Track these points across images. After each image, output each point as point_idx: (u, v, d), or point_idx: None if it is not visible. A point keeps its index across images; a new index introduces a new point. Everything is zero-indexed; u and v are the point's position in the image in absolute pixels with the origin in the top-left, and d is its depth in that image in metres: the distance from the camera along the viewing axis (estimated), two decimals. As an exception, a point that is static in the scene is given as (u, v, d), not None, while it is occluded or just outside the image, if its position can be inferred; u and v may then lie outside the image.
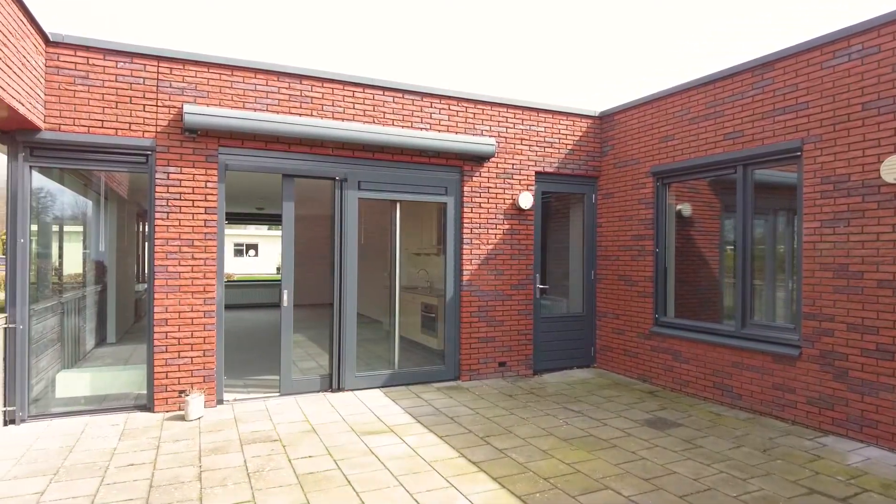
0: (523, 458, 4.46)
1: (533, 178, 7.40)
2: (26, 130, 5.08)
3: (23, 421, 5.17)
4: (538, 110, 7.45)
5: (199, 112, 5.49)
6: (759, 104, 5.75)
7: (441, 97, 6.83)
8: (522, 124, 7.33)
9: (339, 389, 6.39)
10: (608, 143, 7.79)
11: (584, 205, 7.97)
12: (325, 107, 6.21)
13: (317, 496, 3.73)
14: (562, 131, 7.61)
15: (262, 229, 36.65)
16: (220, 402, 5.85)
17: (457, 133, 6.89)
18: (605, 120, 7.88)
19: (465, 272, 6.98)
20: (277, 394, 6.21)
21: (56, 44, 5.16)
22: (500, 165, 7.19)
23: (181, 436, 4.90)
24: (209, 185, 5.69)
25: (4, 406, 5.05)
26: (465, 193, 6.99)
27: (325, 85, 6.22)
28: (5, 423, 5.07)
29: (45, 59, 5.14)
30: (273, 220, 17.11)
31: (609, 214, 7.77)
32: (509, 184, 7.24)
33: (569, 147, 7.66)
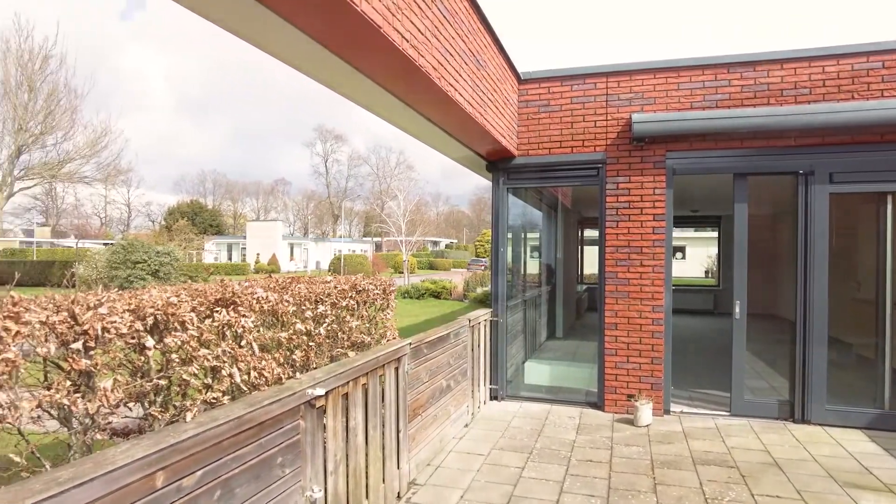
0: None
1: None
2: (505, 159, 6.09)
3: (502, 399, 6.21)
4: None
5: (646, 120, 5.51)
6: None
7: (962, 49, 5.04)
8: None
9: (802, 421, 5.42)
10: None
11: None
12: (784, 91, 5.37)
13: (797, 551, 3.18)
14: None
15: (689, 232, 35.44)
16: (667, 412, 5.73)
17: None
18: None
19: None
20: (727, 413, 5.69)
21: (525, 81, 6.02)
22: None
23: (632, 441, 4.98)
24: (657, 191, 5.65)
25: (490, 384, 6.16)
26: None
27: (784, 67, 5.39)
28: (490, 398, 6.19)
29: (518, 96, 6.04)
30: (699, 222, 16.27)
31: None
32: None
33: None
